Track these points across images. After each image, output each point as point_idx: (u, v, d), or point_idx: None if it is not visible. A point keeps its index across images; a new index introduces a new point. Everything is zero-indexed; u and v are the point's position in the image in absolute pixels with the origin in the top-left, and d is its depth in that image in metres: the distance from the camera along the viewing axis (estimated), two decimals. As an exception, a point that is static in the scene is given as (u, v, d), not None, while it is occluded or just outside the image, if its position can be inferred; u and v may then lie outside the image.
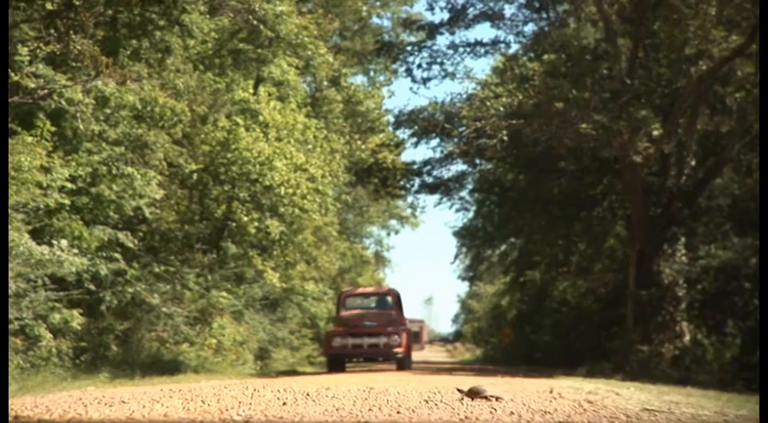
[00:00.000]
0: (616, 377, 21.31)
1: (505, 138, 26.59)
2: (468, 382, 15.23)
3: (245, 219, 25.77)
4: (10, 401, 10.00)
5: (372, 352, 24.88)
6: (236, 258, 26.80)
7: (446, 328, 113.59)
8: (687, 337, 27.04)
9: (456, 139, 31.40)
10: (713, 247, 27.96)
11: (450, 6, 31.59)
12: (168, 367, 20.37)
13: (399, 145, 34.40)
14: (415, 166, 34.22)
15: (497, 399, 9.73)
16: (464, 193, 36.80)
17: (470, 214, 40.90)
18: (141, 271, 21.54)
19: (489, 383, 14.49)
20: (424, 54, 32.78)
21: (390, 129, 35.02)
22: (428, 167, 33.97)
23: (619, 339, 27.52)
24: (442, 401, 9.40)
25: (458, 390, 10.25)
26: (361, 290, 30.83)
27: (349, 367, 26.78)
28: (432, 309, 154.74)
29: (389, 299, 26.74)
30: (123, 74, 18.53)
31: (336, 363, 25.16)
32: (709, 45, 24.67)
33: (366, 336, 24.77)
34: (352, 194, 40.62)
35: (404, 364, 24.74)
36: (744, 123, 26.20)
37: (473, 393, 9.89)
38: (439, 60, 32.49)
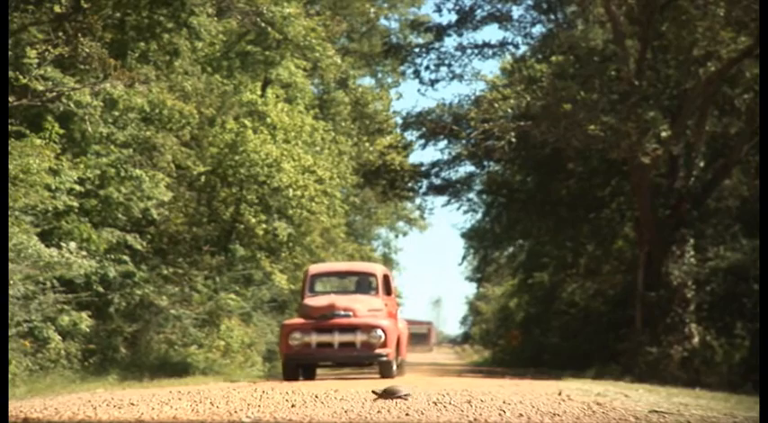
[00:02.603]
0: (625, 379, 21.29)
1: (513, 139, 26.56)
2: (475, 384, 15.23)
3: (253, 221, 25.78)
4: (19, 404, 10.02)
5: (345, 354, 17.92)
6: (245, 260, 26.80)
7: (454, 329, 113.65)
8: (696, 339, 27.00)
9: (464, 141, 31.38)
10: (722, 249, 27.94)
11: (457, 8, 31.58)
12: (177, 369, 20.39)
13: (407, 147, 34.39)
14: (423, 168, 34.23)
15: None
16: (472, 195, 36.80)
17: (478, 216, 40.90)
18: (149, 273, 21.57)
19: (497, 385, 14.48)
20: (432, 56, 32.78)
21: (398, 130, 35.02)
22: (436, 169, 33.97)
23: (627, 341, 27.47)
24: (450, 403, 9.39)
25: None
26: (334, 267, 23.52)
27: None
28: (440, 311, 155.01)
29: (373, 279, 19.45)
30: (131, 76, 18.57)
31: (295, 368, 18.02)
32: (717, 46, 24.67)
33: (337, 330, 17.72)
34: (360, 196, 40.63)
35: (390, 369, 17.81)
36: (752, 125, 26.16)
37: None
38: (447, 62, 32.48)
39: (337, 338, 17.72)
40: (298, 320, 18.32)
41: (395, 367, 18.10)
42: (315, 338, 17.73)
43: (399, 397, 9.80)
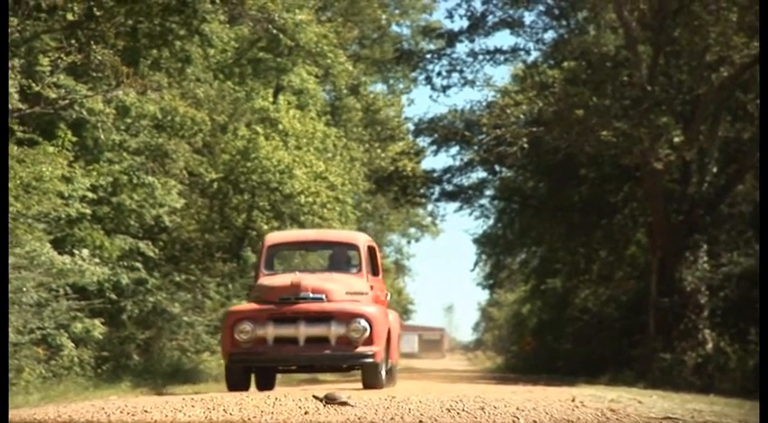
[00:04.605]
0: (638, 385, 21.25)
1: (525, 145, 26.55)
2: (489, 390, 15.18)
3: (266, 227, 25.79)
4: (33, 411, 10.03)
5: (315, 353, 13.17)
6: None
7: (467, 336, 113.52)
8: (710, 345, 26.91)
9: (476, 147, 31.36)
10: (735, 255, 27.84)
11: (469, 14, 31.54)
12: (189, 376, 20.39)
13: (419, 153, 34.39)
14: (435, 174, 34.19)
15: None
16: (484, 201, 36.81)
17: (490, 222, 40.89)
18: (162, 280, 21.60)
19: (510, 392, 14.43)
20: (444, 62, 32.74)
21: (410, 137, 35.06)
22: (448, 175, 33.93)
23: (641, 347, 27.40)
24: (464, 410, 9.36)
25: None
26: (301, 235, 17.44)
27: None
28: (452, 317, 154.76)
29: (355, 253, 14.48)
30: (144, 83, 18.62)
31: (243, 373, 13.53)
32: (730, 51, 24.62)
33: (303, 320, 13.04)
34: (372, 203, 40.62)
35: (376, 376, 13.29)
36: (765, 130, 26.10)
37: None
38: (458, 68, 32.43)
39: (303, 331, 13.07)
40: (248, 306, 13.70)
41: (383, 373, 13.53)
42: (272, 331, 13.09)
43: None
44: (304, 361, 13.46)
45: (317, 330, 13.07)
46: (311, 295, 13.17)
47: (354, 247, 14.50)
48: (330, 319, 13.05)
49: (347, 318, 13.04)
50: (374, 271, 14.57)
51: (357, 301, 13.42)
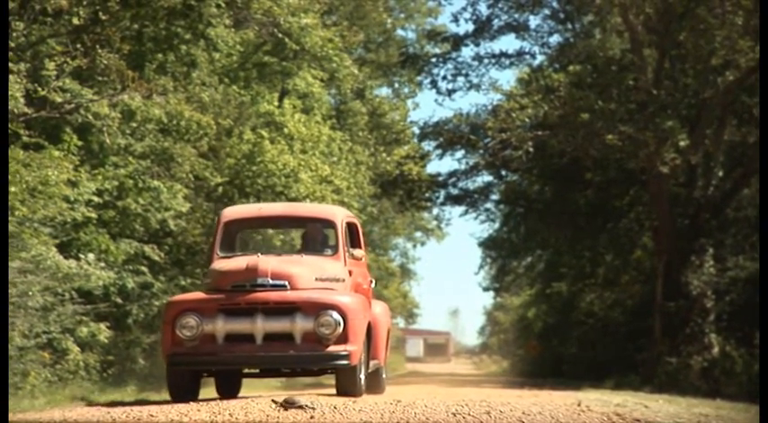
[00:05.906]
0: (644, 389, 21.23)
1: (531, 149, 26.58)
2: (494, 394, 15.18)
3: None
4: (38, 415, 10.04)
5: (275, 353, 10.84)
6: (262, 271, 26.74)
7: (472, 339, 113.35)
8: (716, 349, 26.88)
9: (481, 151, 31.34)
10: (741, 259, 27.83)
11: (474, 18, 31.54)
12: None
13: (424, 157, 34.37)
14: (441, 178, 34.18)
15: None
16: (489, 205, 36.80)
17: (496, 225, 40.88)
18: (167, 284, 21.59)
19: (516, 396, 14.43)
20: (449, 66, 32.76)
21: (415, 141, 35.03)
22: (453, 179, 33.92)
23: (646, 351, 27.37)
24: (470, 414, 9.36)
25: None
26: (265, 209, 13.82)
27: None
28: (458, 321, 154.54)
29: (331, 232, 12.22)
30: (149, 88, 18.64)
31: (188, 378, 11.14)
32: (735, 55, 24.63)
33: (261, 313, 10.80)
34: (378, 207, 40.57)
35: (353, 381, 11.21)
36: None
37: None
38: (464, 72, 32.45)
39: (261, 326, 10.78)
40: (193, 296, 11.57)
41: (362, 377, 11.37)
42: (222, 327, 10.77)
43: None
44: (263, 362, 11.07)
45: (279, 325, 10.79)
46: (270, 281, 10.86)
47: (330, 224, 12.08)
48: (294, 310, 10.78)
49: (315, 309, 10.74)
50: (355, 254, 12.15)
51: (329, 290, 11.15)
